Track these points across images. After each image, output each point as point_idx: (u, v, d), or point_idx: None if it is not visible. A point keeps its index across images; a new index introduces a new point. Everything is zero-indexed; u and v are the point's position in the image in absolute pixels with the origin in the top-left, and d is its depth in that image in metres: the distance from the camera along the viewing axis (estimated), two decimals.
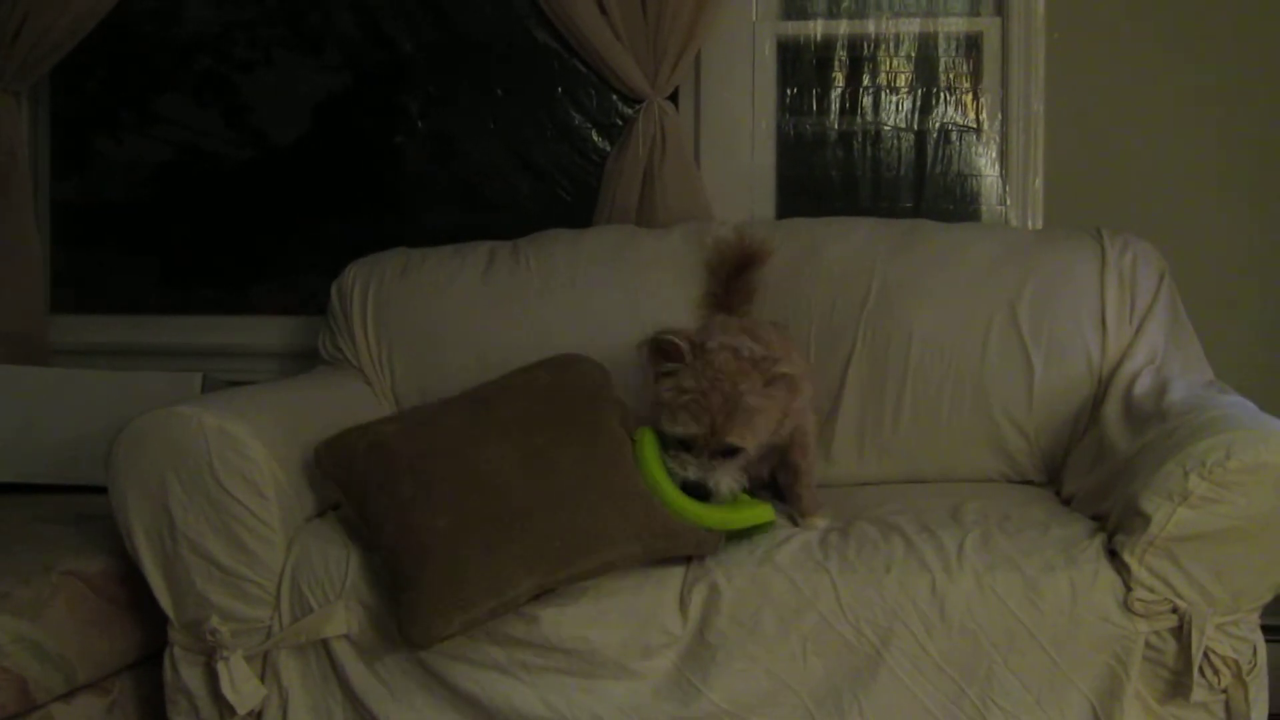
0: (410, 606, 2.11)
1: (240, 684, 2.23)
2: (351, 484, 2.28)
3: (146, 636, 2.41)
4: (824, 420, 2.74)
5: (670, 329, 2.26)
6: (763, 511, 2.25)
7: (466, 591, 2.09)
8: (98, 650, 2.32)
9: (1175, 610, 2.06)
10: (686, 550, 2.19)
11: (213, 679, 2.24)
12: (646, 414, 2.29)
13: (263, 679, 2.27)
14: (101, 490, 2.30)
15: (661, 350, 2.24)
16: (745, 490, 2.28)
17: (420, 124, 3.58)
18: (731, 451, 2.19)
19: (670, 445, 2.22)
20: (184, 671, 2.29)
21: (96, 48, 3.50)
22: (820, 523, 2.35)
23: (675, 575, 2.20)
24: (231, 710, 2.23)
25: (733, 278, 2.78)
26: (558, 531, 2.13)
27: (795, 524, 2.37)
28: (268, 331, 3.48)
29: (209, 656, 2.25)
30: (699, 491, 2.18)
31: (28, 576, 2.24)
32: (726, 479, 2.20)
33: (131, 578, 2.33)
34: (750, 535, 2.26)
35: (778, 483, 2.52)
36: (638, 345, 2.29)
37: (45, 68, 3.48)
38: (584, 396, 2.36)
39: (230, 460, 2.23)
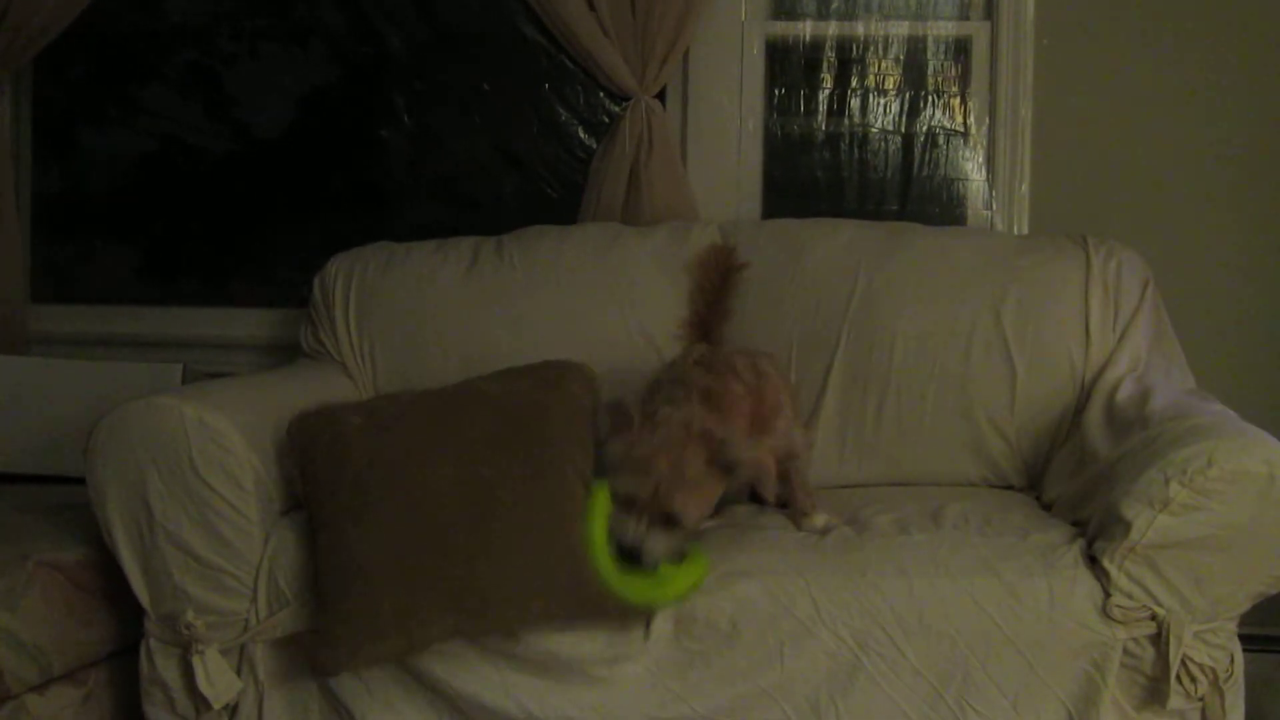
0: (324, 632, 2.12)
1: (216, 677, 2.22)
2: (305, 471, 2.27)
3: (123, 628, 2.40)
4: (806, 422, 2.74)
5: (624, 400, 2.27)
6: (693, 575, 2.18)
7: (380, 624, 2.09)
8: (73, 641, 2.31)
9: (1154, 617, 2.07)
10: (608, 622, 2.16)
11: (189, 672, 2.23)
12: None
13: (239, 672, 2.26)
14: (80, 480, 2.29)
15: (616, 419, 2.24)
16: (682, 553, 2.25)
17: (405, 118, 3.57)
18: (670, 521, 2.16)
19: (613, 505, 2.20)
20: (160, 664, 2.28)
21: (80, 36, 3.48)
22: (820, 520, 2.36)
23: None
24: (207, 704, 2.22)
25: (718, 293, 2.78)
26: (483, 581, 2.12)
27: (796, 527, 2.37)
28: (249, 324, 3.47)
29: (185, 650, 2.24)
30: (633, 556, 2.15)
31: (3, 566, 2.23)
32: (660, 548, 2.15)
33: (108, 569, 2.32)
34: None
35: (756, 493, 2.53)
36: (597, 413, 2.31)
37: (28, 56, 3.47)
38: (554, 429, 2.30)
39: (210, 452, 2.22)
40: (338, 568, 2.14)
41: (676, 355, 2.66)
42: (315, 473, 2.25)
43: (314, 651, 2.12)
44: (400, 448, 2.25)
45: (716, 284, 2.79)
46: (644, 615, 2.17)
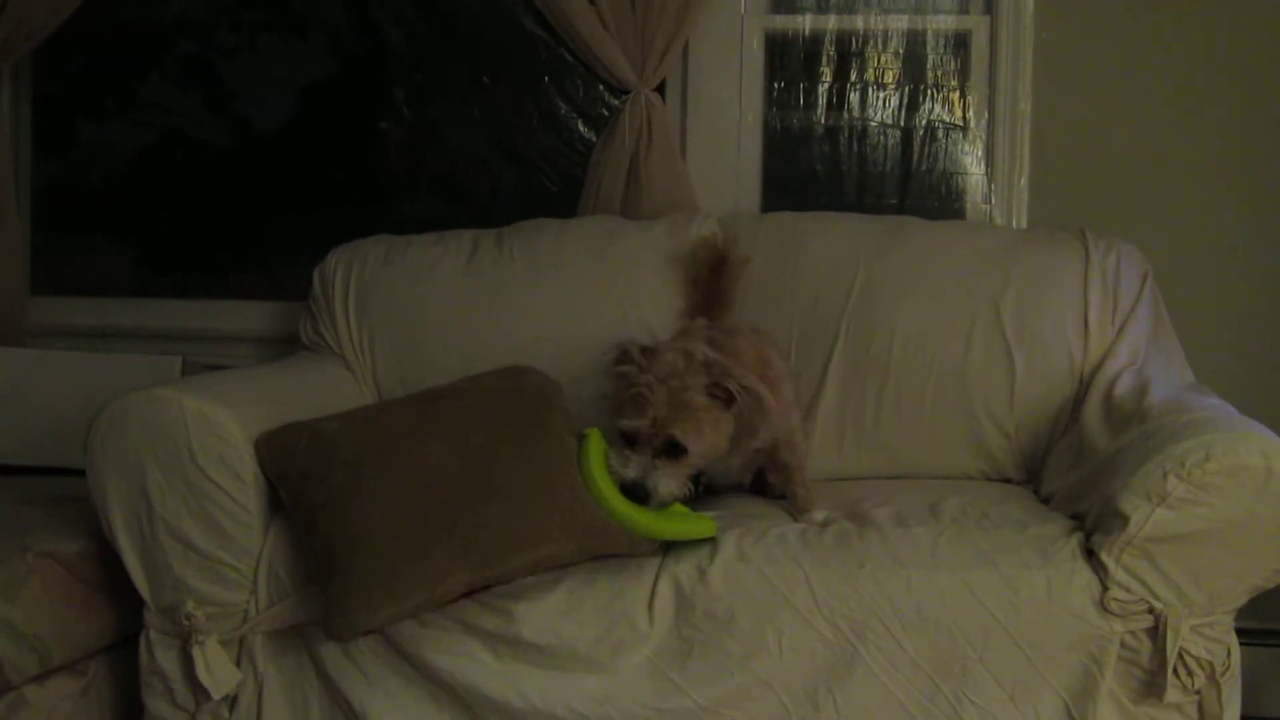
0: (337, 596, 2.11)
1: (216, 668, 2.23)
2: (288, 477, 2.25)
3: (122, 619, 2.40)
4: (805, 414, 2.74)
5: (632, 339, 2.28)
6: (701, 526, 2.21)
7: (398, 584, 2.09)
8: (73, 632, 2.31)
9: (1151, 611, 2.07)
10: (619, 550, 2.19)
11: (188, 663, 2.24)
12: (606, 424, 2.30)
13: (238, 663, 2.27)
14: (79, 472, 2.29)
15: (619, 356, 2.25)
16: (691, 496, 2.27)
17: (405, 111, 3.57)
18: (675, 451, 2.18)
19: (617, 444, 2.22)
20: (159, 655, 2.28)
21: (80, 29, 3.47)
22: (819, 515, 2.35)
23: (649, 571, 2.19)
24: (207, 695, 2.23)
25: (712, 285, 2.78)
26: (491, 527, 2.13)
27: (794, 520, 2.36)
28: (248, 316, 3.47)
29: (185, 641, 2.24)
30: (638, 492, 2.17)
31: (3, 557, 2.23)
32: (666, 481, 2.18)
33: (108, 560, 2.33)
34: (692, 544, 2.23)
35: (766, 483, 2.54)
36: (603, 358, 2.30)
37: (28, 48, 3.46)
38: (529, 400, 2.34)
39: (210, 444, 2.22)
40: (342, 540, 2.13)
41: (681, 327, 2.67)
42: (300, 471, 2.23)
43: (327, 621, 2.12)
44: (388, 432, 2.27)
45: (710, 276, 2.78)
46: (652, 544, 2.19)
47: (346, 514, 2.14)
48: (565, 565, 2.18)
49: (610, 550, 2.19)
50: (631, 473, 2.18)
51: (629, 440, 2.20)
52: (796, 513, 2.39)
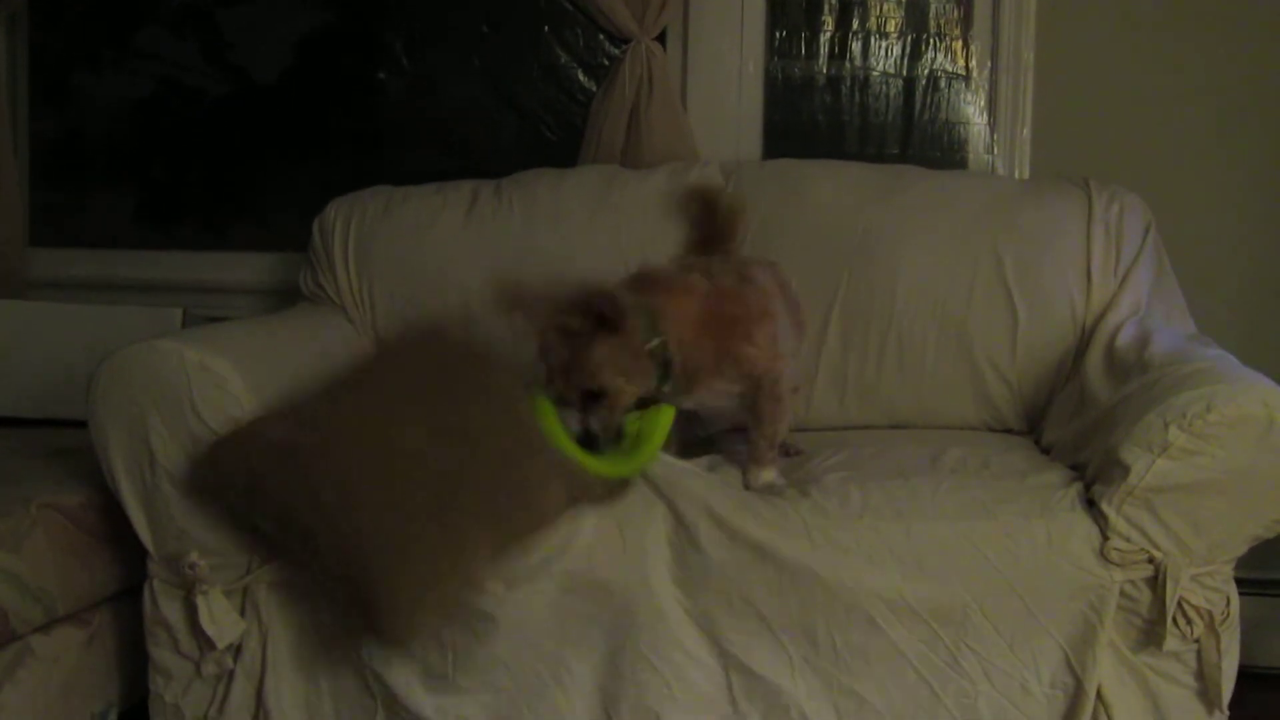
0: (385, 608, 2.04)
1: (220, 618, 2.23)
2: (260, 499, 2.15)
3: (126, 569, 2.41)
4: (807, 364, 2.74)
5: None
6: (658, 424, 2.19)
7: (437, 575, 2.05)
8: (77, 583, 2.32)
9: (1151, 560, 2.08)
10: (598, 493, 2.17)
11: (192, 612, 2.24)
12: None
13: (242, 613, 2.27)
14: (81, 424, 2.29)
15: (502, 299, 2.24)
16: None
17: (404, 62, 3.55)
18: (594, 397, 2.14)
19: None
20: (163, 605, 2.29)
21: None
22: (766, 476, 2.29)
23: (655, 511, 2.19)
24: (211, 644, 2.24)
25: (708, 233, 2.75)
26: (497, 487, 2.10)
27: (744, 476, 2.31)
28: (248, 268, 3.46)
29: (188, 590, 2.25)
30: (590, 443, 2.15)
31: (6, 509, 2.24)
32: (604, 424, 2.15)
33: (111, 511, 2.33)
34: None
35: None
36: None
37: None
38: (470, 361, 2.29)
39: (211, 395, 2.22)
40: (361, 556, 2.05)
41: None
42: (277, 499, 2.13)
43: (382, 634, 2.08)
44: (352, 431, 2.16)
45: (705, 225, 2.76)
46: (629, 481, 2.20)
47: (357, 528, 2.06)
48: (561, 516, 2.17)
49: (592, 491, 2.17)
50: (573, 425, 2.15)
51: (558, 401, 2.17)
52: (749, 463, 2.31)
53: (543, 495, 2.14)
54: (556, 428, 2.16)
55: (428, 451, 2.11)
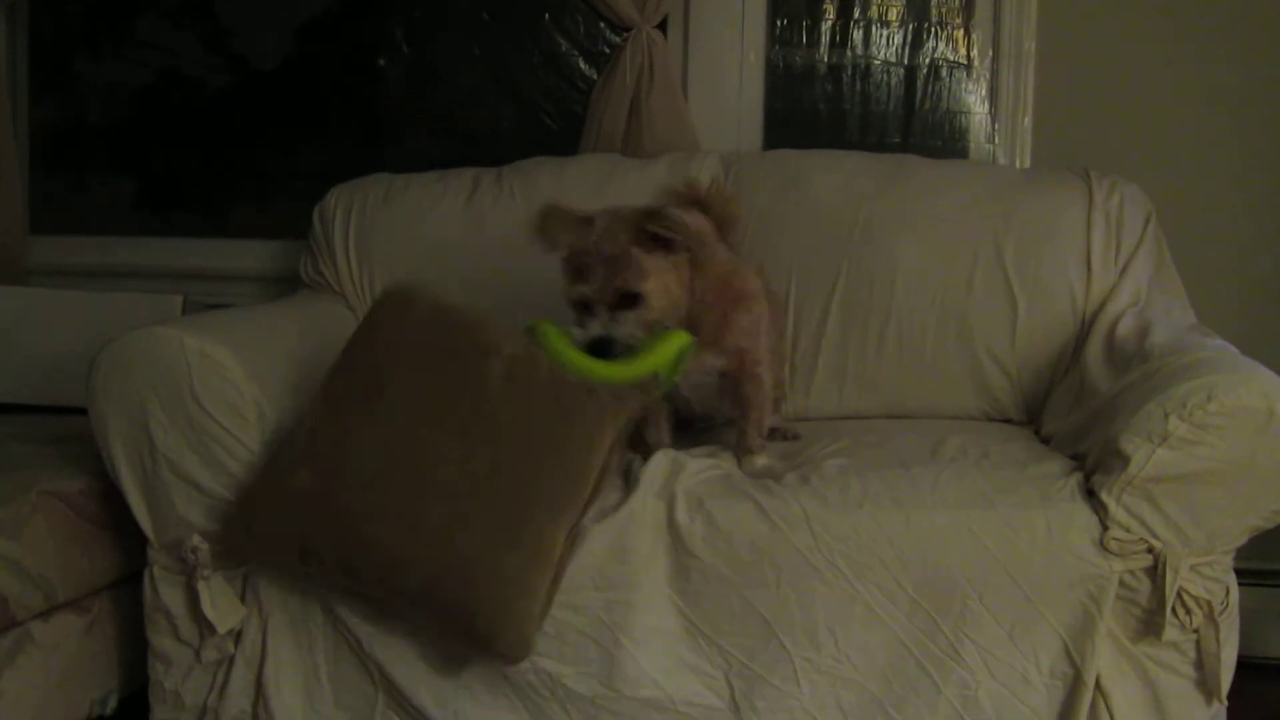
0: (496, 630, 2.03)
1: (220, 604, 2.23)
2: (318, 560, 2.14)
3: (126, 556, 2.41)
4: (806, 354, 2.76)
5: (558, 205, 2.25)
6: (672, 338, 2.16)
7: (525, 578, 2.04)
8: (77, 569, 2.32)
9: (1150, 550, 2.08)
10: (635, 404, 2.15)
11: (193, 599, 2.24)
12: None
13: (243, 599, 2.27)
14: (81, 411, 2.29)
15: (546, 222, 2.23)
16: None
17: (404, 49, 3.55)
18: (629, 301, 2.15)
19: (574, 317, 2.19)
20: (164, 591, 2.29)
21: None
22: (760, 461, 2.31)
23: (651, 505, 2.18)
24: (211, 629, 2.24)
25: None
26: (544, 474, 2.08)
27: (738, 465, 2.32)
28: (248, 255, 3.46)
29: (189, 576, 2.25)
30: (603, 345, 2.14)
31: (6, 496, 2.24)
32: (628, 329, 2.15)
33: (111, 498, 2.33)
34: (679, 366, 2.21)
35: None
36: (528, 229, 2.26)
37: None
38: (465, 328, 2.22)
39: (211, 382, 2.22)
40: (438, 588, 2.05)
41: None
42: (335, 550, 2.11)
43: (496, 651, 2.07)
44: (378, 460, 2.12)
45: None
46: (643, 391, 2.17)
47: (444, 565, 2.04)
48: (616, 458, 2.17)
49: (631, 406, 2.15)
50: (595, 329, 2.14)
51: (584, 308, 2.17)
52: (741, 453, 2.34)
53: (587, 457, 2.11)
54: (561, 343, 2.14)
55: (468, 462, 2.09)
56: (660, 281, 2.18)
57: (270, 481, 2.18)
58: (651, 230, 2.16)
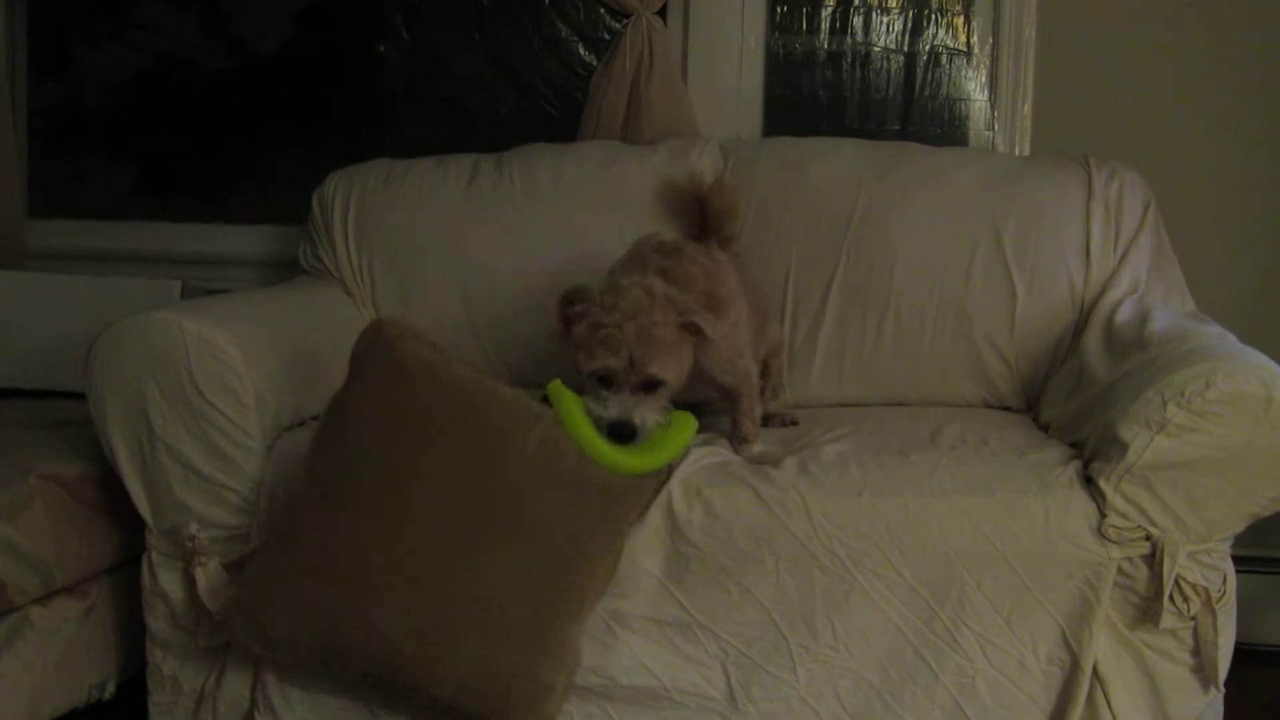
0: (530, 704, 2.07)
1: (218, 590, 2.24)
2: (339, 668, 2.15)
3: (124, 541, 2.42)
4: (805, 341, 2.77)
5: (583, 284, 2.20)
6: (684, 427, 2.16)
7: (552, 682, 2.07)
8: (75, 554, 2.33)
9: (1148, 538, 2.08)
10: (639, 503, 2.14)
11: (190, 584, 2.25)
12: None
13: None
14: (79, 395, 2.29)
15: (570, 299, 2.18)
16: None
17: (404, 34, 3.54)
18: (652, 386, 2.12)
19: (589, 389, 2.14)
20: (162, 576, 2.29)
21: None
22: (757, 448, 2.32)
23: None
24: (209, 615, 2.24)
25: (701, 221, 2.73)
26: (568, 567, 2.07)
27: (735, 451, 2.33)
28: (247, 240, 3.46)
29: (187, 562, 2.25)
30: (624, 430, 2.10)
31: (5, 480, 2.24)
32: (651, 415, 2.12)
33: (110, 483, 2.33)
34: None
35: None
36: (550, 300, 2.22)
37: None
38: (478, 423, 2.09)
39: (210, 367, 2.22)
40: (477, 697, 2.07)
41: (633, 242, 2.53)
42: (357, 662, 2.10)
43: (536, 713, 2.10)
44: (387, 571, 2.08)
45: (698, 214, 2.74)
46: (652, 482, 2.15)
47: (483, 673, 2.06)
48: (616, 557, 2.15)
49: (636, 508, 2.14)
50: (613, 412, 2.10)
51: (603, 381, 2.13)
52: (738, 442, 2.34)
53: (611, 553, 2.12)
54: (581, 419, 2.09)
55: (497, 565, 2.06)
56: (680, 368, 2.16)
57: (280, 587, 2.11)
58: (689, 323, 2.14)
